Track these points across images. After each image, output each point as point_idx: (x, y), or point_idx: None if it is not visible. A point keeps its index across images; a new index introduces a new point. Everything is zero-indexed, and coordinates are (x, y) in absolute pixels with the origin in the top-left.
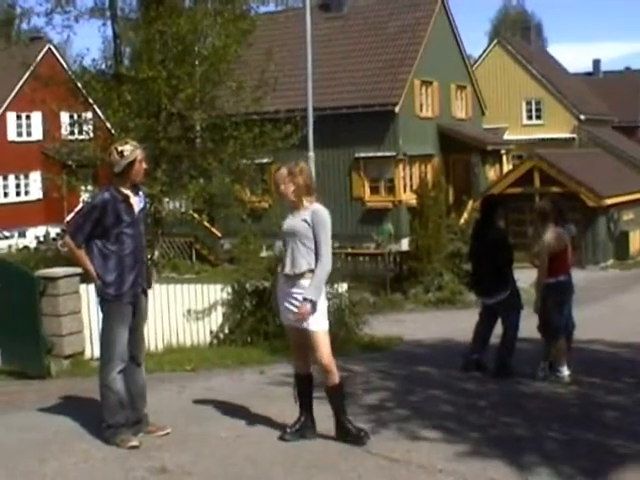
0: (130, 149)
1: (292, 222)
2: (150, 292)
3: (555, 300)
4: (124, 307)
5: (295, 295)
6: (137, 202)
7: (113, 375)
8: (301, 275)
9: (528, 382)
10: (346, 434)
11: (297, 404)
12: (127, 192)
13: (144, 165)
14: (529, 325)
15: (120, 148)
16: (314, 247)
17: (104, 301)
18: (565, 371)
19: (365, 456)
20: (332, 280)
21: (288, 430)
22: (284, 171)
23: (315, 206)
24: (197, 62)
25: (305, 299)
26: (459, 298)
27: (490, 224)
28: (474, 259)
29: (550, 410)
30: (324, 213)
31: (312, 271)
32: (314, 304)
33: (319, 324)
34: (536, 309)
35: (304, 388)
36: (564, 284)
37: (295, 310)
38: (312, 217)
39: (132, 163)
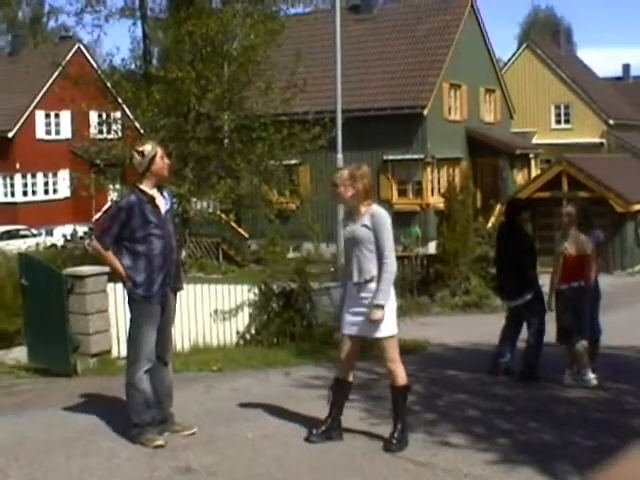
0: (149, 147)
1: (352, 228)
2: (177, 292)
3: (567, 306)
4: (153, 307)
5: (363, 301)
6: (163, 203)
7: (139, 374)
8: (371, 280)
9: (555, 387)
10: (390, 434)
11: (328, 406)
12: (152, 193)
13: (166, 160)
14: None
15: (140, 149)
16: (377, 250)
17: (133, 301)
18: (590, 374)
19: (391, 459)
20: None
21: (314, 431)
22: (345, 173)
23: (373, 209)
24: (226, 63)
25: (376, 305)
26: (486, 302)
27: (514, 227)
28: (498, 262)
29: (577, 415)
30: (384, 215)
31: (379, 273)
32: (384, 309)
33: (388, 328)
34: (549, 308)
35: (341, 393)
36: (577, 290)
37: (361, 316)
38: (372, 221)
39: (153, 159)
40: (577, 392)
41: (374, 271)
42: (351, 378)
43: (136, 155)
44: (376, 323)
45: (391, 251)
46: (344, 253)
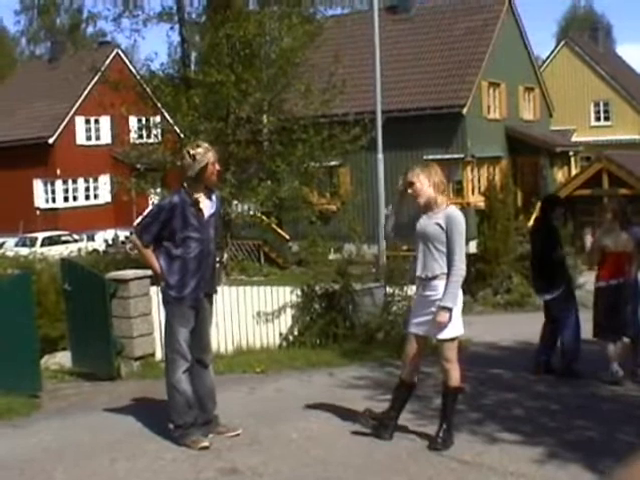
0: (202, 152)
1: (424, 224)
2: (220, 294)
3: (605, 303)
4: (184, 309)
5: (429, 298)
6: (208, 206)
7: (178, 375)
8: (434, 278)
9: (600, 384)
10: (436, 434)
11: (389, 405)
12: (198, 196)
13: (217, 167)
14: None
15: (192, 152)
16: (447, 251)
17: (166, 302)
18: (614, 366)
19: (436, 459)
20: (401, 282)
21: (367, 413)
22: (417, 169)
23: (450, 209)
24: (264, 65)
25: (443, 307)
26: (528, 301)
27: (546, 223)
28: (531, 257)
29: (622, 412)
30: (459, 216)
31: (444, 274)
32: (451, 311)
33: (453, 330)
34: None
35: (403, 395)
36: (617, 288)
37: (427, 316)
38: (446, 221)
39: (205, 166)
40: (621, 389)
41: (437, 270)
42: (415, 379)
43: (187, 157)
44: (442, 325)
45: (462, 254)
46: (414, 246)
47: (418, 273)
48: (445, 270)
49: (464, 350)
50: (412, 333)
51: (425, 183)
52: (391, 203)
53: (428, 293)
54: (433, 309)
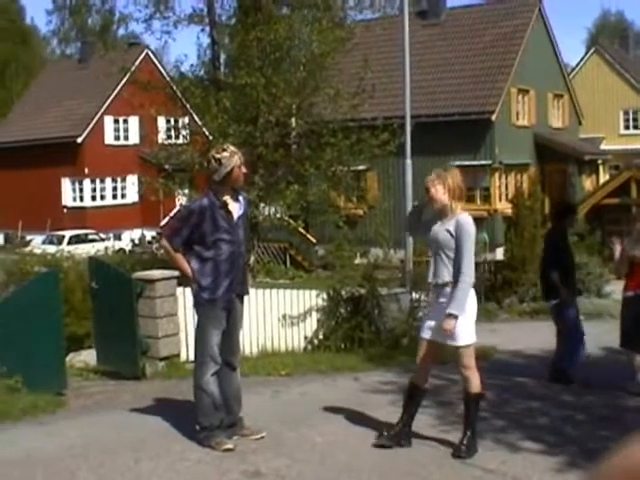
0: (227, 156)
1: (437, 230)
2: (245, 297)
3: (632, 312)
4: (218, 311)
5: (442, 306)
6: (237, 208)
7: (207, 377)
8: (444, 285)
9: (625, 395)
10: (460, 441)
11: (402, 411)
12: (226, 198)
13: (243, 170)
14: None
15: (218, 156)
16: (455, 258)
17: (198, 304)
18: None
19: (460, 466)
20: (426, 288)
21: (385, 434)
22: (433, 175)
23: (460, 216)
24: (294, 69)
25: (449, 314)
26: None
27: (556, 231)
28: (542, 263)
29: None
30: (468, 224)
31: (456, 282)
32: (457, 318)
33: (465, 339)
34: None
35: (415, 399)
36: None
37: (439, 323)
38: (456, 228)
39: (231, 170)
40: None
41: (447, 277)
42: (426, 385)
43: (213, 162)
44: (448, 332)
45: (470, 262)
46: (429, 252)
47: (430, 279)
48: (454, 277)
49: (488, 358)
50: (424, 339)
51: (440, 190)
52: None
53: (441, 300)
54: (443, 316)
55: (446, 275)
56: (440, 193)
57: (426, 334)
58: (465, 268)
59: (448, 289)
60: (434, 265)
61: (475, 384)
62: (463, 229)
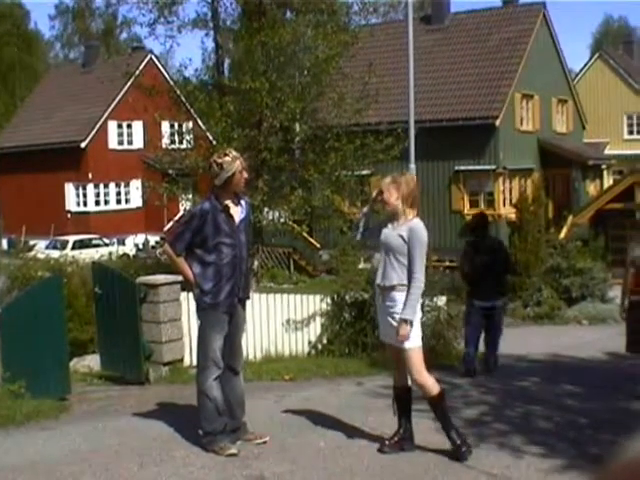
0: (229, 161)
1: (388, 234)
2: (249, 301)
3: (637, 317)
4: (220, 316)
5: (388, 309)
6: (238, 212)
7: (210, 382)
8: (391, 288)
9: (630, 399)
10: (451, 446)
11: (396, 416)
12: (228, 202)
13: (245, 175)
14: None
15: (219, 161)
16: (407, 263)
17: (200, 309)
18: None
19: (464, 470)
20: (431, 293)
21: (387, 442)
22: (388, 179)
23: (413, 222)
24: (298, 73)
25: (403, 320)
26: (558, 314)
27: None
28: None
29: None
30: (420, 230)
31: (403, 285)
32: (411, 323)
33: (411, 341)
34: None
35: (402, 400)
36: None
37: (388, 326)
38: (408, 233)
39: (233, 174)
40: None
41: (395, 280)
42: (408, 383)
43: (215, 166)
44: (404, 337)
45: (422, 267)
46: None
47: (377, 281)
48: (403, 281)
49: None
50: (383, 342)
51: (394, 194)
52: (367, 205)
53: (387, 304)
54: (392, 320)
55: (394, 278)
56: (393, 198)
57: (383, 338)
58: (417, 273)
59: (394, 293)
60: (383, 267)
61: (430, 387)
62: (415, 235)
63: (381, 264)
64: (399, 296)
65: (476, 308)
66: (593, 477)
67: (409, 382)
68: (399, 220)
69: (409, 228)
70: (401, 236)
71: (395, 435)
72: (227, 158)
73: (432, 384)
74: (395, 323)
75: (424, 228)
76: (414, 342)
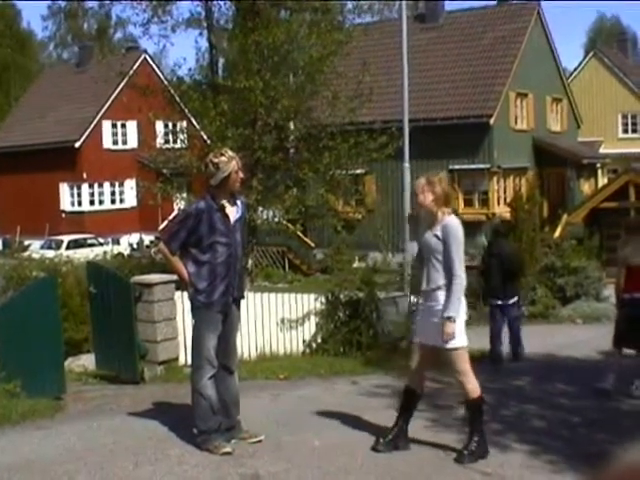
0: (225, 161)
1: (426, 237)
2: (244, 301)
3: (626, 315)
4: (213, 315)
5: (431, 309)
6: (234, 211)
7: (204, 381)
8: (436, 289)
9: (623, 399)
10: (464, 446)
11: (396, 415)
12: (223, 202)
13: (241, 175)
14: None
15: (215, 160)
16: (445, 261)
17: (194, 308)
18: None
19: (458, 469)
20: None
21: (381, 440)
22: (422, 180)
23: (446, 219)
24: (292, 72)
25: (447, 318)
26: (552, 313)
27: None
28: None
29: None
30: (455, 227)
31: (446, 285)
32: (455, 321)
33: (456, 341)
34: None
35: (410, 403)
36: (635, 300)
37: (431, 326)
38: (442, 231)
39: (229, 174)
40: None
41: (440, 281)
42: (420, 389)
43: (211, 166)
44: (449, 335)
45: (460, 263)
46: (419, 260)
47: (424, 287)
48: (446, 280)
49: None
50: (418, 343)
51: (429, 197)
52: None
53: (431, 303)
54: (435, 319)
55: (439, 279)
56: (428, 200)
57: (420, 338)
58: (456, 270)
59: (438, 293)
60: (427, 272)
61: (471, 389)
62: (450, 232)
63: (425, 269)
64: (442, 295)
65: (493, 306)
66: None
67: (421, 388)
68: (435, 220)
69: (443, 226)
70: (436, 236)
71: (389, 433)
72: (223, 158)
73: (474, 386)
74: (437, 321)
75: (459, 224)
76: (459, 341)
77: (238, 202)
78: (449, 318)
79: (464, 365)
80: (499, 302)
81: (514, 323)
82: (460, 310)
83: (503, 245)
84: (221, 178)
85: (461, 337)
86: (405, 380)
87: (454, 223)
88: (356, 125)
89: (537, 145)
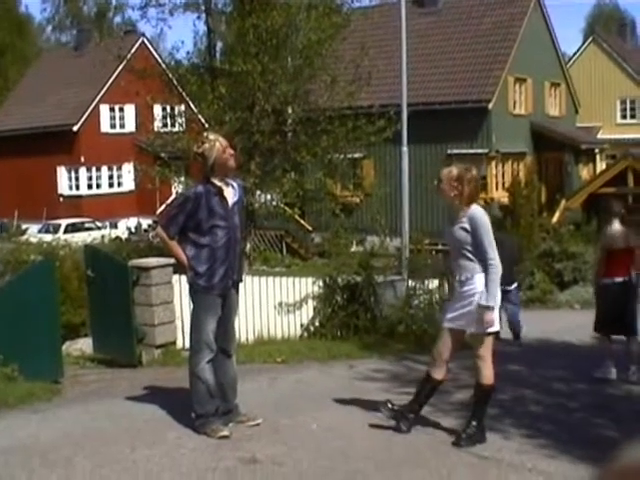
0: (208, 147)
1: (451, 230)
2: (242, 284)
3: (611, 300)
4: (213, 298)
5: (465, 293)
6: (232, 194)
7: (202, 364)
8: (471, 277)
9: (617, 384)
10: (462, 429)
11: (413, 398)
12: (221, 184)
13: (230, 151)
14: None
15: (200, 151)
16: (478, 251)
17: (194, 291)
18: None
19: (456, 453)
20: (423, 277)
21: (389, 405)
22: (454, 173)
23: (471, 211)
24: (290, 56)
25: (486, 307)
26: (550, 298)
27: None
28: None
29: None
30: (481, 215)
31: (479, 273)
32: (494, 310)
33: (493, 326)
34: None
35: (428, 390)
36: (623, 285)
37: (465, 312)
38: (471, 224)
39: (216, 158)
40: (638, 389)
41: (473, 270)
42: (440, 376)
43: (197, 157)
44: (489, 323)
45: (494, 252)
46: (448, 251)
47: (457, 277)
48: (479, 269)
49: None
50: (447, 328)
51: (453, 190)
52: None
53: (465, 289)
54: (466, 302)
55: (472, 269)
56: (452, 194)
57: (449, 324)
58: (491, 259)
59: (473, 279)
60: (459, 262)
61: (486, 375)
62: (478, 222)
63: (455, 260)
64: (477, 279)
65: None
66: (595, 475)
67: (441, 375)
68: (458, 214)
69: (470, 217)
70: (463, 228)
71: (401, 407)
72: (205, 145)
73: (490, 374)
74: (471, 309)
75: (484, 212)
76: (494, 327)
77: (235, 185)
78: (488, 307)
79: (487, 352)
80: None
81: (514, 308)
82: (497, 298)
83: (503, 232)
84: (211, 164)
85: (496, 323)
86: (428, 367)
87: (480, 212)
88: (354, 109)
89: (535, 130)
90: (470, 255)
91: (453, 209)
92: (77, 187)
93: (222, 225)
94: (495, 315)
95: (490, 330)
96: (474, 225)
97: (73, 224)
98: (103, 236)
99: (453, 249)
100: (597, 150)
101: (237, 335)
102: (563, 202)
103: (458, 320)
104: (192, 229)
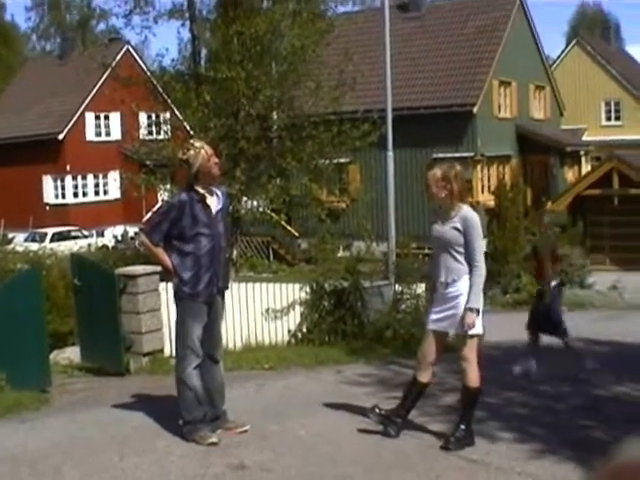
0: (193, 155)
1: (442, 229)
2: (229, 291)
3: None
4: (198, 305)
5: (449, 296)
6: (215, 202)
7: (189, 371)
8: (457, 279)
9: (605, 385)
10: (451, 433)
11: (400, 402)
12: (204, 192)
13: (214, 160)
14: (608, 328)
15: (184, 157)
16: (467, 252)
17: (179, 298)
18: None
19: (444, 457)
20: (409, 281)
21: (377, 410)
22: (438, 174)
23: (464, 211)
24: (275, 62)
25: (469, 309)
26: None
27: None
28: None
29: (628, 413)
30: (474, 217)
31: (465, 274)
32: (478, 311)
33: (476, 329)
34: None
35: (415, 394)
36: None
37: (449, 314)
38: (463, 224)
39: (201, 165)
40: (625, 389)
41: (460, 272)
42: (426, 379)
43: (182, 164)
44: (471, 325)
45: (481, 254)
46: (433, 251)
47: (442, 279)
48: (466, 271)
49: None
50: (431, 330)
51: (442, 191)
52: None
53: (449, 290)
54: (451, 305)
55: (459, 270)
56: (442, 194)
57: (433, 325)
58: (478, 262)
59: (458, 282)
60: (444, 264)
61: (471, 377)
62: (471, 223)
63: (441, 261)
64: (461, 281)
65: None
66: (591, 475)
67: (427, 378)
68: (449, 213)
69: (463, 218)
70: (455, 228)
71: (386, 411)
72: (191, 152)
73: (475, 376)
74: (455, 311)
75: (476, 215)
76: (477, 329)
77: (219, 193)
78: (472, 309)
79: (472, 354)
80: None
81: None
82: (480, 300)
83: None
84: (195, 172)
85: (480, 326)
86: (414, 371)
87: (473, 214)
88: (339, 114)
89: (520, 133)
90: (458, 256)
91: (444, 209)
92: (63, 196)
93: (206, 233)
94: (478, 317)
95: (472, 332)
96: (467, 225)
97: (59, 233)
98: (90, 244)
99: (440, 250)
100: (582, 152)
101: (224, 342)
102: (549, 204)
103: (441, 322)
104: (176, 237)
